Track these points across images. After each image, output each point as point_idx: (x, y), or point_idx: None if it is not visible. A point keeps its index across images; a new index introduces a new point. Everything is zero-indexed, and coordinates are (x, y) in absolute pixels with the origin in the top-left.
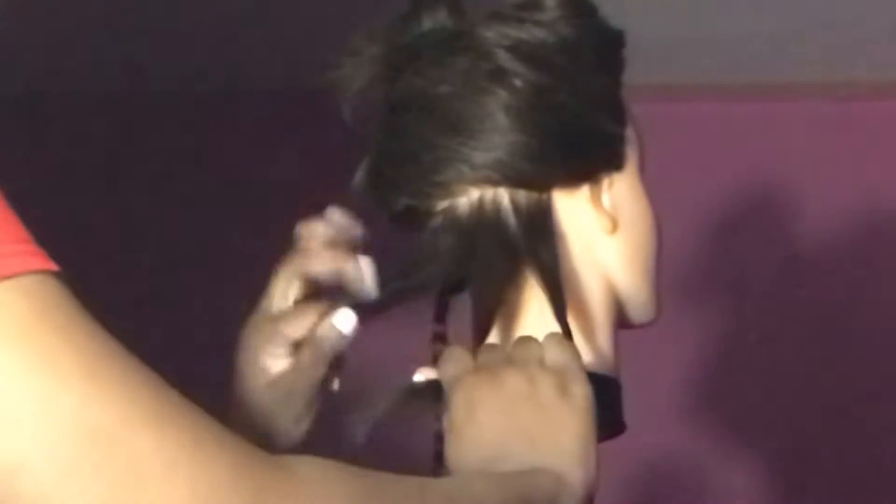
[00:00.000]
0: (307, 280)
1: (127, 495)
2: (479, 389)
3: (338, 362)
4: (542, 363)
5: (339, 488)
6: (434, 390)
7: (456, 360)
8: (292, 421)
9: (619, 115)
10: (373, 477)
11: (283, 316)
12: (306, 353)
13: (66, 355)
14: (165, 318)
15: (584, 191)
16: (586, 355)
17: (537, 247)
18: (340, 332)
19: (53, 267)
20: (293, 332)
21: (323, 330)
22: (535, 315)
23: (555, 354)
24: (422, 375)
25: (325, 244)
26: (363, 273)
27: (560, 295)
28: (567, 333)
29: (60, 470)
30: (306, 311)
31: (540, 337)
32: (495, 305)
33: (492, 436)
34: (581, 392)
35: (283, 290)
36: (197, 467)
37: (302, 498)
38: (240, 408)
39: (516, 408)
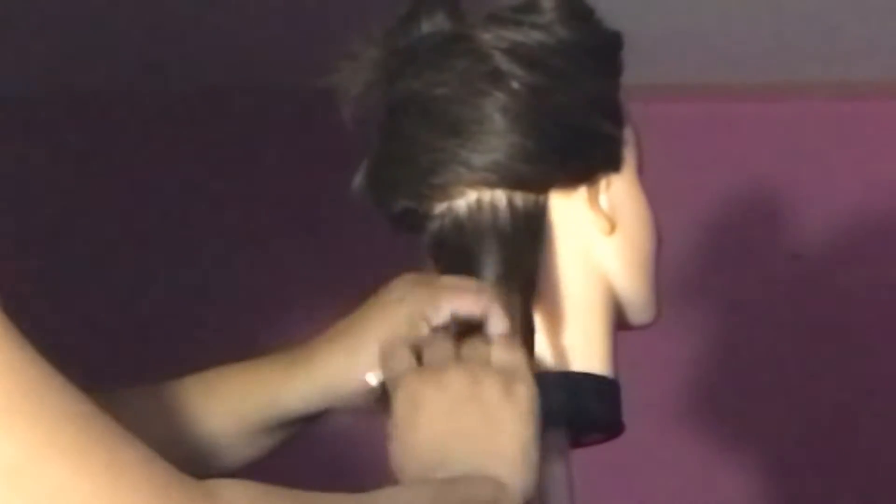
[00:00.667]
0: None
1: None
2: (422, 391)
3: None
4: (487, 363)
5: None
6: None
7: (398, 358)
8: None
9: (616, 116)
10: (300, 497)
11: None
12: None
13: None
14: (165, 316)
15: (582, 192)
16: (586, 357)
17: (526, 247)
18: None
19: None
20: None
21: None
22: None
23: (501, 354)
24: (374, 376)
25: None
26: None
27: (529, 294)
28: (527, 334)
29: None
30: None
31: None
32: None
33: (434, 440)
34: (526, 393)
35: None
36: (118, 498)
37: None
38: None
39: (459, 410)
